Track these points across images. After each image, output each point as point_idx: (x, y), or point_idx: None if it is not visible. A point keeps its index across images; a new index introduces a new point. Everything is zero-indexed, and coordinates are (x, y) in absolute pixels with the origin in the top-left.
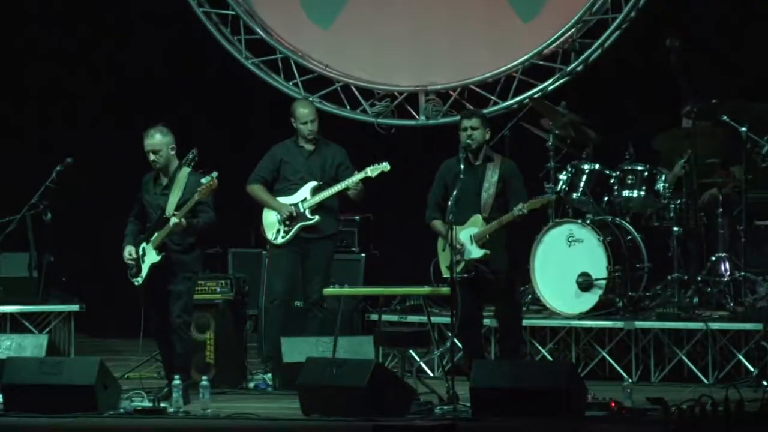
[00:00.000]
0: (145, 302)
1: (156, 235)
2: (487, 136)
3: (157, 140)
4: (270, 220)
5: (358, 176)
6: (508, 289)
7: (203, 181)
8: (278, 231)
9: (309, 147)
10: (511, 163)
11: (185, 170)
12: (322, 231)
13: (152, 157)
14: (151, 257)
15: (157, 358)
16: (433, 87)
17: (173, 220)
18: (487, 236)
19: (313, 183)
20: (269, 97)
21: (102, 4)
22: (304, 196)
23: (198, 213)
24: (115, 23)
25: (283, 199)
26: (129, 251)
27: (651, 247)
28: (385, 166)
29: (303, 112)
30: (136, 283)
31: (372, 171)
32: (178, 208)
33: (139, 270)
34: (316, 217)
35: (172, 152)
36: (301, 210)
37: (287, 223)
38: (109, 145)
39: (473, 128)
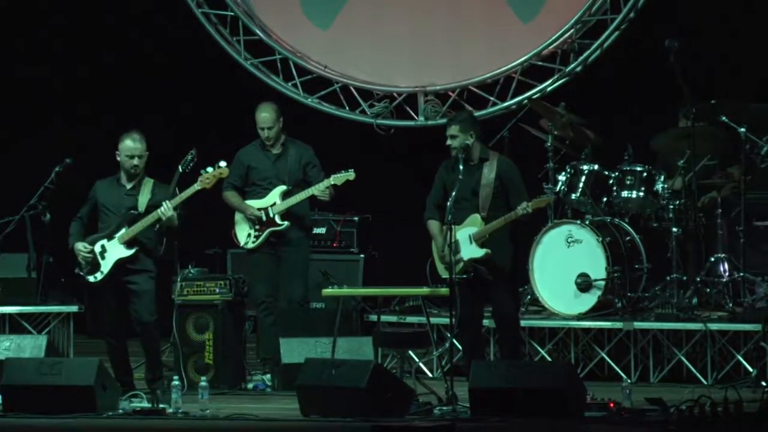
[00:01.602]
0: (100, 301)
1: (124, 231)
2: (469, 141)
3: (144, 146)
4: (241, 224)
5: (323, 184)
6: (507, 290)
7: (209, 169)
8: (249, 236)
9: (275, 150)
10: (507, 160)
11: (150, 180)
12: (291, 236)
13: (136, 161)
14: (119, 252)
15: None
16: (432, 88)
17: (166, 204)
18: (487, 235)
19: (282, 187)
20: (268, 98)
21: (102, 5)
22: (273, 200)
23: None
24: (114, 23)
25: (253, 203)
26: (83, 245)
27: (650, 247)
28: (351, 174)
29: (261, 116)
30: (93, 280)
31: (336, 179)
32: (147, 209)
33: (96, 267)
34: (286, 223)
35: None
36: (271, 215)
37: (257, 228)
38: (109, 146)
39: (452, 136)
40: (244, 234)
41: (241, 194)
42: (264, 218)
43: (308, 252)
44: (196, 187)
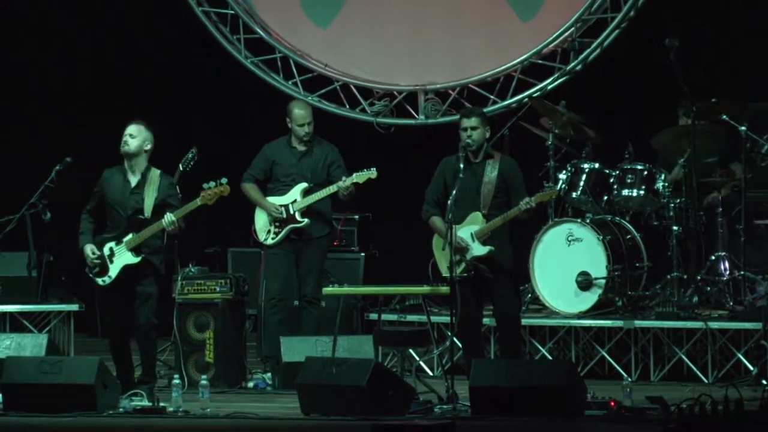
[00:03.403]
0: (107, 302)
1: (131, 236)
2: (487, 135)
3: (138, 128)
4: (261, 221)
5: (346, 182)
6: (508, 288)
7: (210, 184)
8: (269, 232)
9: (301, 148)
10: (510, 160)
11: (155, 171)
12: (312, 234)
13: (125, 138)
14: (126, 258)
15: (157, 358)
16: (432, 86)
17: (169, 217)
18: (489, 233)
19: (304, 185)
20: (268, 97)
21: (102, 4)
22: (294, 197)
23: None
24: (114, 23)
25: (274, 200)
26: (92, 250)
27: (650, 246)
28: (372, 173)
29: (300, 113)
30: (102, 283)
31: (359, 177)
32: (155, 209)
33: (105, 270)
34: (306, 221)
35: (147, 147)
36: (291, 212)
37: (277, 224)
38: (109, 145)
39: (473, 128)
40: (263, 230)
41: (262, 189)
42: (284, 215)
43: (327, 251)
44: (198, 202)
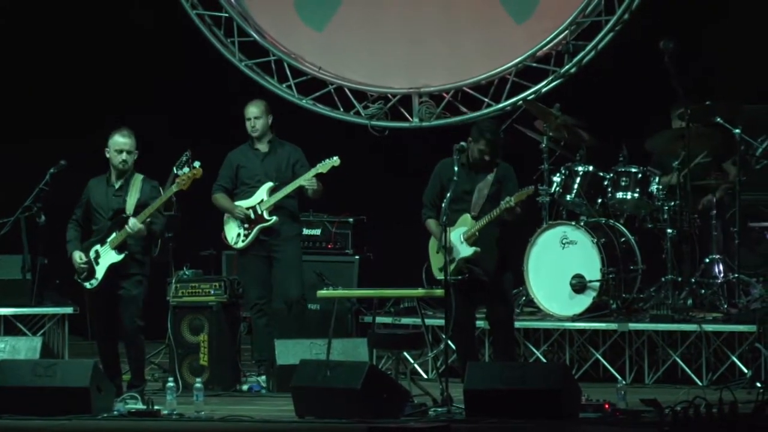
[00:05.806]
0: (96, 305)
1: (115, 235)
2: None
3: (133, 141)
4: (230, 225)
5: (310, 173)
6: (502, 291)
7: (184, 170)
8: (238, 235)
9: (264, 149)
10: (506, 165)
11: (139, 176)
12: (282, 234)
13: (124, 156)
14: (110, 257)
15: (152, 361)
16: (427, 89)
17: (132, 222)
18: (477, 234)
19: (269, 184)
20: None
21: (100, 6)
22: (261, 197)
23: (152, 220)
24: (111, 25)
25: (242, 203)
26: (79, 256)
27: (645, 248)
28: (335, 161)
29: (249, 109)
30: (89, 287)
31: (322, 167)
32: (136, 210)
33: (92, 273)
34: (274, 218)
35: (135, 157)
36: (259, 212)
37: (246, 226)
38: (103, 148)
39: (481, 150)
40: (233, 234)
41: (231, 196)
42: (252, 216)
43: (300, 249)
44: (173, 189)
